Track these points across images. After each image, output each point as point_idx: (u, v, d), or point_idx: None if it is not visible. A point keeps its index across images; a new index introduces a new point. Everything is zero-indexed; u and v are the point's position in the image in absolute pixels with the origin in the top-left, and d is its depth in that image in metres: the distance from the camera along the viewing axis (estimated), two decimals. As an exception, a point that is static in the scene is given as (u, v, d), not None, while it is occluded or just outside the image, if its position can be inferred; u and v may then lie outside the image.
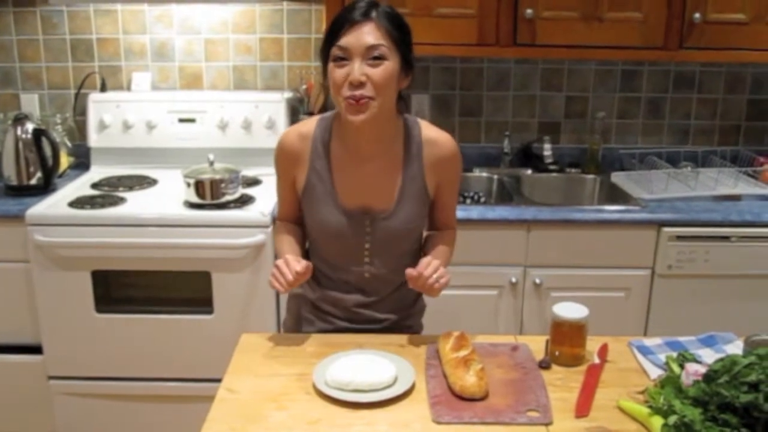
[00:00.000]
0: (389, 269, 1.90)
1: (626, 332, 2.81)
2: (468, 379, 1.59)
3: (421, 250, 1.98)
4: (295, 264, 1.76)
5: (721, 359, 1.49)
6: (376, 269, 1.89)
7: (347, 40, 1.70)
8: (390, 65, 1.72)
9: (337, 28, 1.72)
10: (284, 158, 1.91)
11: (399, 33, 1.75)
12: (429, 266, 1.76)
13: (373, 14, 1.72)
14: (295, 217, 1.99)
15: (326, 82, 1.79)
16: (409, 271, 1.76)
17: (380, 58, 1.71)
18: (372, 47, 1.70)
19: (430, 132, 1.89)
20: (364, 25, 1.70)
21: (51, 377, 2.84)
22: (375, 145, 1.85)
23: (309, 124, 1.91)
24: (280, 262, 1.78)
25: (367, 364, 1.65)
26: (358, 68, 1.69)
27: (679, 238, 2.75)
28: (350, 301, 1.93)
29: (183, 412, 2.80)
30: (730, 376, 1.43)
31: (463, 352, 1.65)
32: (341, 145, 1.86)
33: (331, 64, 1.73)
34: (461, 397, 1.58)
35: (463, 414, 1.52)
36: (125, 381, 2.83)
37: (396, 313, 1.97)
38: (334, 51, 1.72)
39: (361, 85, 1.70)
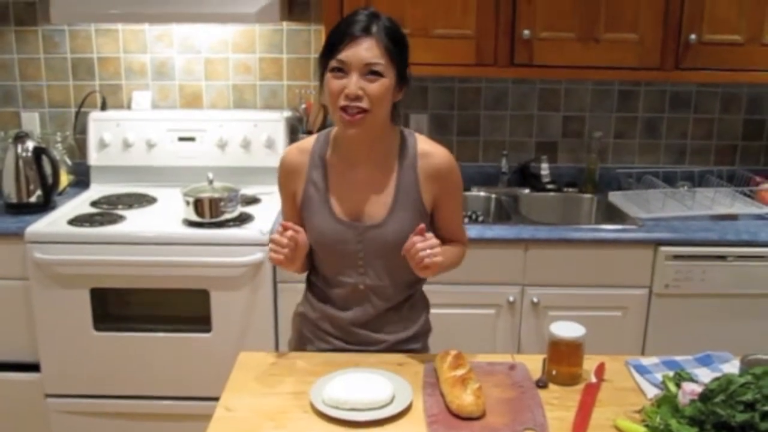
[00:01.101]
0: (384, 283, 1.90)
1: (623, 351, 2.83)
2: (465, 398, 1.59)
3: None
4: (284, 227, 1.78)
5: (717, 378, 1.50)
6: (371, 280, 1.89)
7: (346, 54, 1.72)
8: (386, 81, 1.74)
9: (336, 41, 1.74)
10: (285, 174, 1.94)
11: (397, 49, 1.76)
12: (426, 240, 1.73)
13: (374, 29, 1.73)
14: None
15: (323, 93, 1.81)
16: (408, 243, 1.74)
17: (377, 74, 1.73)
18: (369, 63, 1.72)
19: (425, 145, 1.90)
20: (363, 41, 1.72)
21: (48, 395, 2.83)
22: (369, 154, 1.87)
23: (309, 140, 1.95)
24: (273, 234, 1.81)
25: (364, 382, 1.66)
26: (354, 83, 1.72)
27: (676, 257, 2.76)
28: (346, 318, 1.93)
29: (181, 431, 2.79)
30: (726, 395, 1.44)
31: (460, 371, 1.65)
32: (337, 155, 1.89)
33: (328, 74, 1.76)
34: (458, 416, 1.58)
35: None
36: (123, 399, 2.82)
37: (394, 334, 1.96)
38: (333, 63, 1.74)
39: (356, 98, 1.72)
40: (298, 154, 1.92)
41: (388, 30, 1.76)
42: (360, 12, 1.78)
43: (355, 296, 1.92)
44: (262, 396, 1.69)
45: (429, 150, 1.89)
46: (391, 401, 1.62)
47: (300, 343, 2.05)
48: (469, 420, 1.57)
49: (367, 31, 1.73)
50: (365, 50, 1.72)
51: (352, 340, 1.95)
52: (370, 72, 1.73)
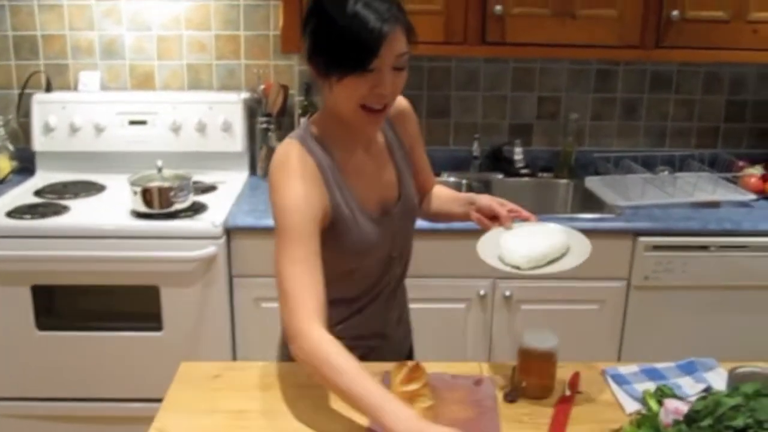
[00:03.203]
0: (404, 265, 1.78)
1: (600, 346, 2.72)
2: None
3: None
4: None
5: (704, 398, 1.35)
6: (399, 268, 1.76)
7: (382, 52, 1.43)
8: (406, 69, 1.53)
9: (370, 41, 1.42)
10: (313, 176, 1.54)
11: (408, 22, 1.51)
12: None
13: (395, 15, 1.45)
14: (324, 296, 1.46)
15: (322, 90, 1.55)
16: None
17: (403, 66, 1.50)
18: (401, 54, 1.48)
19: None
20: (395, 31, 1.45)
21: (-9, 398, 2.68)
22: (360, 139, 1.65)
23: (292, 146, 1.56)
24: None
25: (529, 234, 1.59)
26: (389, 79, 1.47)
27: (656, 247, 2.63)
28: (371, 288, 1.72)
29: (132, 435, 2.64)
30: (714, 418, 1.29)
31: (413, 386, 1.49)
32: (339, 154, 1.61)
33: (351, 76, 1.45)
34: None
35: None
36: (70, 402, 2.68)
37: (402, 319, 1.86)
38: (366, 61, 1.44)
39: (389, 94, 1.50)
40: (305, 158, 1.55)
41: (400, 8, 1.49)
42: None
43: (379, 295, 1.73)
44: (201, 414, 1.53)
45: None
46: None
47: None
48: None
49: (395, 20, 1.45)
50: (397, 41, 1.45)
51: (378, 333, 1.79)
52: (399, 65, 1.49)
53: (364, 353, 1.64)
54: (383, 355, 1.75)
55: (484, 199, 1.77)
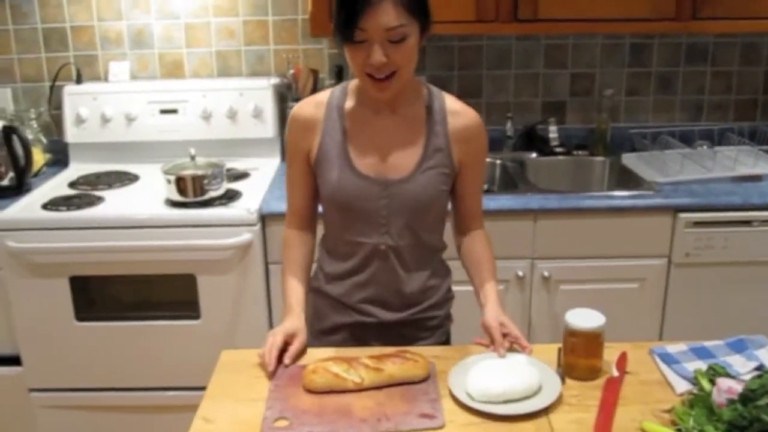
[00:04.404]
0: (406, 242, 1.75)
1: (642, 325, 2.68)
2: (322, 373, 1.52)
3: (443, 229, 1.85)
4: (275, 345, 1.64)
5: (759, 376, 1.32)
6: (393, 240, 1.73)
7: (364, 23, 1.52)
8: (411, 40, 1.57)
9: (351, 9, 1.53)
10: (297, 129, 1.75)
11: (416, 1, 1.57)
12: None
13: None
14: (306, 210, 1.82)
15: (342, 55, 1.63)
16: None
17: (401, 36, 1.55)
18: (390, 29, 1.53)
19: (455, 104, 1.75)
20: (381, 5, 1.51)
21: (32, 389, 2.69)
22: (394, 105, 1.70)
23: (324, 93, 1.78)
24: (266, 346, 1.64)
25: (505, 369, 1.52)
26: (377, 52, 1.54)
27: (697, 224, 2.57)
28: (366, 283, 1.79)
29: (171, 422, 2.63)
30: (772, 397, 1.25)
31: (367, 361, 1.54)
32: (358, 107, 1.73)
33: (348, 45, 1.57)
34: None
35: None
36: (110, 391, 2.68)
37: (417, 302, 1.82)
38: (351, 35, 1.55)
39: (382, 65, 1.56)
40: (313, 106, 1.75)
41: None
42: None
43: (375, 258, 1.76)
44: (245, 403, 1.52)
45: (459, 109, 1.75)
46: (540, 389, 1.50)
47: (317, 321, 1.87)
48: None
49: None
50: (384, 14, 1.52)
51: (373, 309, 1.80)
52: (394, 38, 1.54)
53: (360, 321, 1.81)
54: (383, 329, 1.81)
55: (489, 317, 1.69)
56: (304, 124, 1.74)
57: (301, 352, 1.67)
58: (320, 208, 1.83)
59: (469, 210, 1.83)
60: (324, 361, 1.55)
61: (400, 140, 1.71)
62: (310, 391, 1.52)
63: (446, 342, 1.91)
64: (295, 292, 1.77)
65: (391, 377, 1.53)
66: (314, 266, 1.88)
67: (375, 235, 1.73)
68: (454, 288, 1.92)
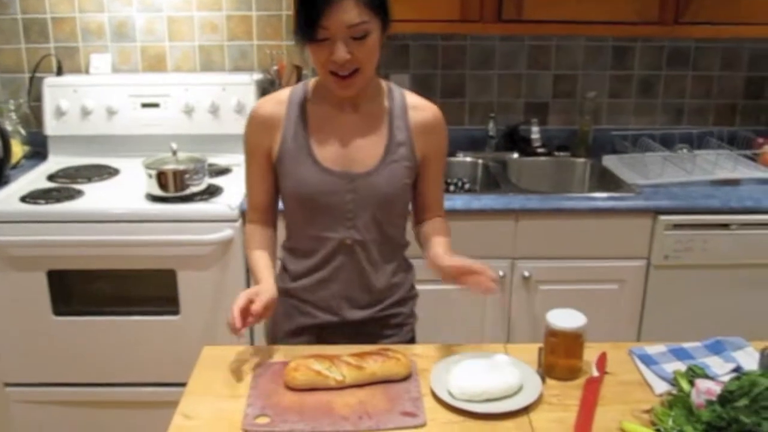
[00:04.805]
0: (372, 236, 1.75)
1: (620, 325, 2.70)
2: (303, 371, 1.51)
3: (405, 226, 1.84)
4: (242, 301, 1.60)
5: (738, 378, 1.33)
6: (359, 234, 1.74)
7: (326, 21, 1.53)
8: (373, 37, 1.58)
9: (312, 8, 1.54)
10: (257, 127, 1.75)
11: None
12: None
13: None
14: (267, 206, 1.82)
15: (304, 54, 1.66)
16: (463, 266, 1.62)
17: (363, 33, 1.56)
18: (353, 26, 1.55)
19: (415, 99, 1.78)
20: (342, 2, 1.53)
21: (7, 384, 2.66)
22: (355, 100, 1.72)
23: (284, 91, 1.78)
24: (235, 304, 1.60)
25: (485, 368, 1.53)
26: (340, 49, 1.56)
27: (676, 226, 2.60)
28: (330, 280, 1.78)
29: (149, 419, 2.62)
30: (750, 399, 1.27)
31: (348, 359, 1.54)
32: (320, 104, 1.73)
33: (310, 44, 1.58)
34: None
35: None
36: (87, 387, 2.66)
37: (381, 298, 1.82)
38: (313, 33, 1.56)
39: (345, 63, 1.57)
40: (274, 104, 1.75)
41: None
42: None
43: (341, 253, 1.76)
44: (226, 400, 1.51)
45: (419, 103, 1.78)
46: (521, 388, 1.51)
47: (285, 322, 1.86)
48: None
49: None
50: (346, 12, 1.53)
51: (338, 306, 1.80)
52: (356, 35, 1.56)
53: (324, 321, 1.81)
54: (343, 329, 1.80)
55: (448, 258, 1.68)
56: (265, 122, 1.74)
57: (266, 311, 1.62)
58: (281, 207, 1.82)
59: (429, 201, 1.85)
60: (306, 359, 1.55)
61: (363, 135, 1.72)
62: (292, 389, 1.51)
63: (412, 340, 1.91)
64: (261, 261, 1.75)
65: (373, 375, 1.53)
66: (278, 266, 1.86)
67: (341, 230, 1.74)
68: (418, 287, 1.92)
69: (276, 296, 1.66)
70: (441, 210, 1.88)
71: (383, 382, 1.54)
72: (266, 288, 1.65)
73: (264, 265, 1.75)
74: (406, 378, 1.56)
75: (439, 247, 1.74)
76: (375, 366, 1.54)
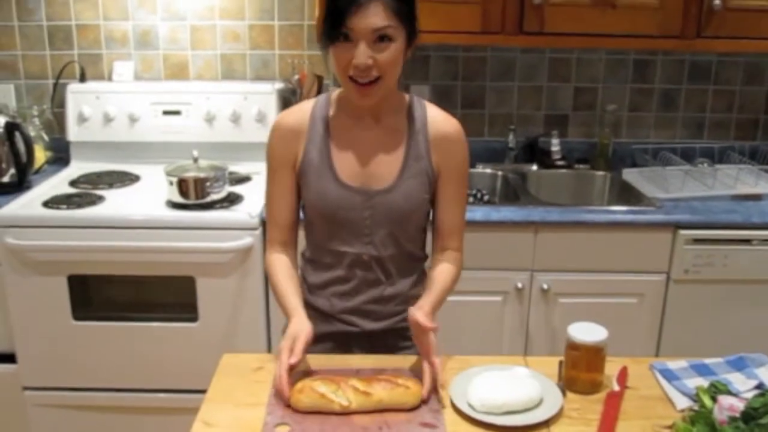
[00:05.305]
0: (390, 252, 1.75)
1: (639, 339, 2.68)
2: (307, 393, 1.49)
3: (425, 239, 1.83)
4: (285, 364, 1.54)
5: (762, 395, 1.32)
6: (376, 250, 1.73)
7: (351, 22, 1.54)
8: (397, 45, 1.58)
9: (340, 9, 1.55)
10: (281, 138, 1.74)
11: (406, 6, 1.59)
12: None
13: None
14: (290, 223, 1.78)
15: (328, 61, 1.65)
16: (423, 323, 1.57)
17: (387, 39, 1.56)
18: (378, 29, 1.55)
19: (437, 112, 1.76)
20: (369, 5, 1.54)
21: (26, 388, 2.67)
22: (377, 114, 1.72)
23: (307, 102, 1.78)
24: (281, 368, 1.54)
25: (507, 380, 1.53)
26: (363, 52, 1.55)
27: (697, 240, 2.58)
28: (349, 293, 1.78)
29: (165, 425, 2.64)
30: (774, 416, 1.25)
31: (356, 383, 1.50)
32: (342, 117, 1.73)
33: (334, 47, 1.59)
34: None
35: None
36: (105, 392, 2.67)
37: (400, 311, 1.80)
38: (337, 33, 1.56)
39: (367, 68, 1.56)
40: (297, 115, 1.75)
41: None
42: None
43: (357, 267, 1.76)
44: (246, 407, 1.51)
45: (441, 117, 1.76)
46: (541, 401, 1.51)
47: None
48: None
49: None
50: (372, 15, 1.54)
51: (357, 318, 1.79)
52: (380, 38, 1.55)
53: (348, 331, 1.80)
54: (365, 339, 1.80)
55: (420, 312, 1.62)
56: (289, 133, 1.73)
57: (309, 346, 1.60)
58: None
59: (447, 227, 1.78)
60: (313, 380, 1.52)
61: (382, 149, 1.72)
62: (296, 411, 1.49)
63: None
64: (289, 291, 1.72)
65: (380, 402, 1.49)
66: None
67: (358, 245, 1.73)
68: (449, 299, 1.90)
69: (311, 332, 1.61)
70: (458, 241, 1.80)
71: (390, 410, 1.50)
72: (301, 328, 1.60)
73: (294, 304, 1.70)
74: (414, 408, 1.51)
75: (427, 299, 1.68)
76: (383, 393, 1.49)
